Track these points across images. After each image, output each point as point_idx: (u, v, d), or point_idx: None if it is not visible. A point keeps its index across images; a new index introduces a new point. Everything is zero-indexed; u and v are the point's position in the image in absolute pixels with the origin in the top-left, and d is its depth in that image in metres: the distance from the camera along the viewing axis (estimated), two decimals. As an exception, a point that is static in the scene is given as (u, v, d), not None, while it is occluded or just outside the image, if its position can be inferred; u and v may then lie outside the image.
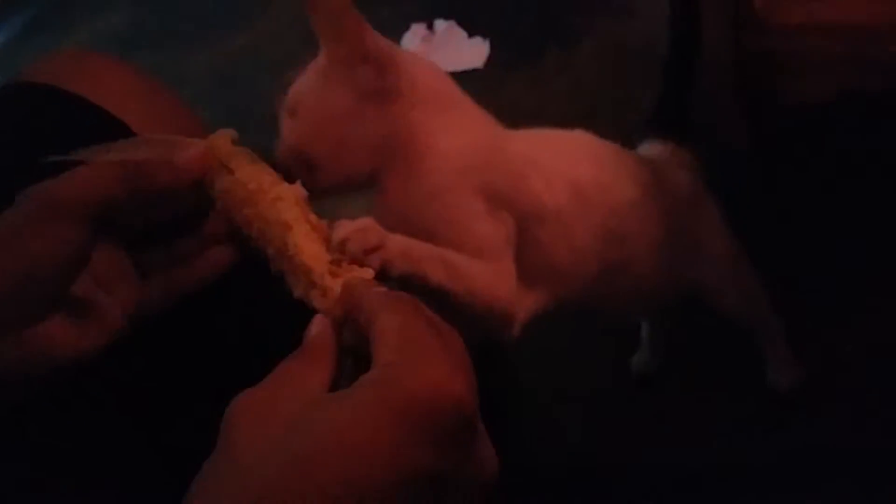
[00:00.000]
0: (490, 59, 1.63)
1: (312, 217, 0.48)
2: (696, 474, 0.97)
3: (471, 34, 1.69)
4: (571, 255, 0.70)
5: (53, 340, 0.42)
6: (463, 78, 1.61)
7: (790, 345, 0.98)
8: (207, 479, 0.34)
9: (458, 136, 0.65)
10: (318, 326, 0.42)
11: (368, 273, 0.46)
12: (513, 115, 1.51)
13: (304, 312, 0.44)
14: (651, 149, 0.92)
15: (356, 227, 0.50)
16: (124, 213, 0.45)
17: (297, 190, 0.49)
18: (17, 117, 0.60)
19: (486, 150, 0.67)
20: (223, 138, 0.51)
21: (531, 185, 0.68)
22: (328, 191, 0.63)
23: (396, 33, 1.77)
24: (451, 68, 1.64)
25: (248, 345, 0.62)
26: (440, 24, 1.74)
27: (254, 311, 0.64)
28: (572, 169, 0.73)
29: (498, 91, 1.58)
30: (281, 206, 0.47)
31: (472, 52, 1.64)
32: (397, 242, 0.55)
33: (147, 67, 2.25)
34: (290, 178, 0.50)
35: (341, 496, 0.31)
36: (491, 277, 0.61)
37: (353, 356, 0.42)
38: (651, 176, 0.81)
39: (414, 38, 1.73)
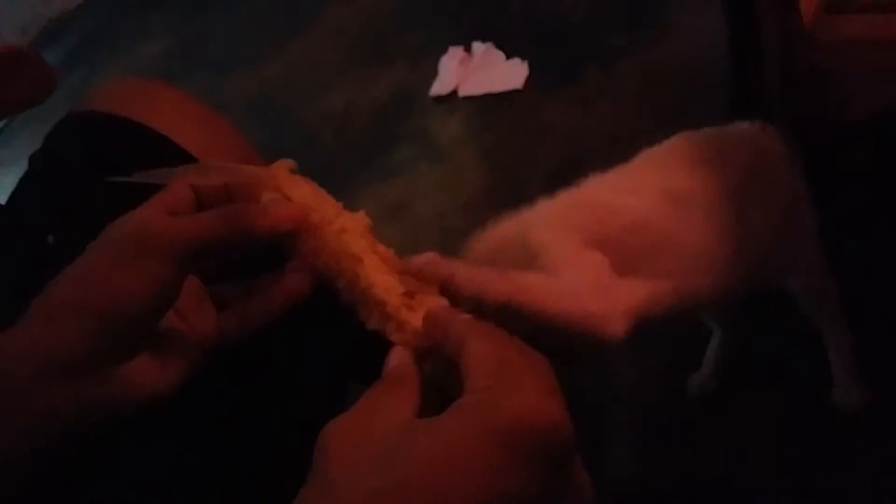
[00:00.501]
0: (529, 80, 1.62)
1: (380, 248, 0.47)
2: (760, 497, 0.95)
3: (509, 56, 1.69)
4: (690, 246, 0.71)
5: (136, 380, 0.41)
6: (502, 99, 1.63)
7: (857, 361, 0.96)
8: (311, 494, 0.34)
9: None
10: (398, 357, 0.42)
11: (444, 302, 0.45)
12: (554, 135, 1.52)
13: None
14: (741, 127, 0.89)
15: (426, 259, 0.49)
16: (218, 252, 0.45)
17: (362, 220, 0.48)
18: (83, 146, 0.61)
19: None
20: (283, 168, 0.50)
21: (615, 203, 0.70)
22: None
23: (434, 56, 1.78)
24: (490, 90, 1.65)
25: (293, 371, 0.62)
26: (478, 46, 1.74)
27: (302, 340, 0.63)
28: (659, 179, 0.75)
29: (538, 112, 1.58)
30: (347, 238, 0.46)
31: (511, 73, 1.64)
32: (464, 268, 0.54)
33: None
34: None
35: None
36: (572, 288, 0.60)
37: (436, 388, 0.41)
38: (748, 155, 0.82)
39: (452, 60, 1.74)
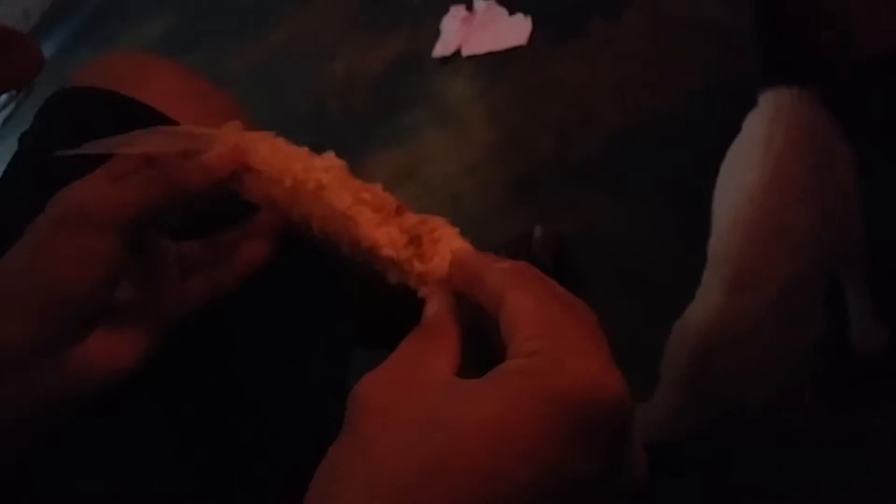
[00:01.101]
0: (533, 36, 1.59)
1: (366, 194, 0.43)
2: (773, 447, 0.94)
3: (511, 12, 1.66)
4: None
5: (92, 361, 0.40)
6: (507, 56, 1.61)
7: (874, 304, 0.94)
8: (336, 470, 0.31)
9: None
10: (436, 304, 0.39)
11: (455, 238, 0.41)
12: (561, 91, 1.49)
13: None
14: (775, 95, 0.90)
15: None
16: (159, 216, 0.42)
17: (335, 165, 0.44)
18: (72, 121, 0.59)
19: None
20: (233, 128, 0.47)
21: None
22: None
23: (436, 17, 1.75)
24: (494, 48, 1.62)
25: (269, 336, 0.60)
26: (479, 4, 1.71)
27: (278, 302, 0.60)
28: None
29: (544, 67, 1.55)
30: (329, 196, 0.43)
31: (515, 29, 1.61)
32: None
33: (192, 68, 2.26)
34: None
35: (483, 498, 0.28)
36: None
37: (475, 335, 0.38)
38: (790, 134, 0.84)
39: (454, 20, 1.71)
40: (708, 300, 0.78)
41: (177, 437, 0.53)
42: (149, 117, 0.58)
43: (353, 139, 1.70)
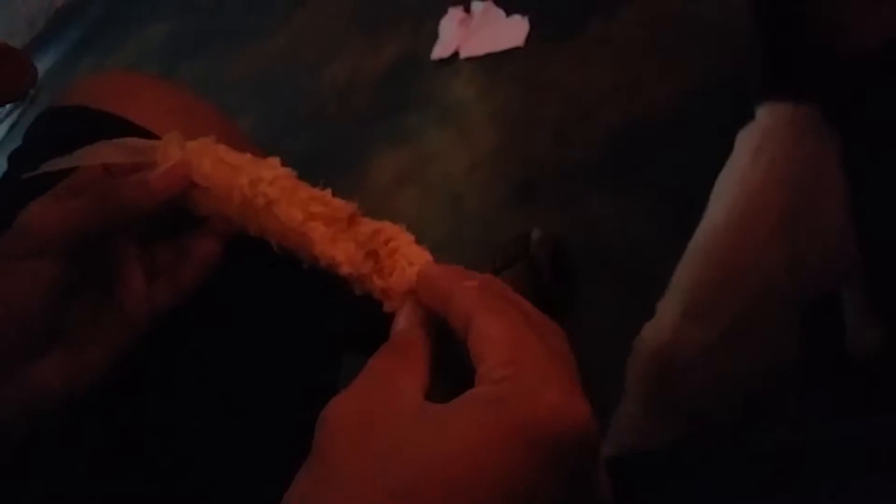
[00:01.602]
0: (530, 37, 1.60)
1: (315, 206, 0.42)
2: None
3: (509, 13, 1.66)
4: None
5: (47, 378, 0.40)
6: (505, 58, 1.61)
7: (870, 304, 0.95)
8: (304, 499, 0.31)
9: None
10: (404, 320, 0.38)
11: (412, 246, 0.41)
12: (559, 91, 1.50)
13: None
14: (769, 111, 0.90)
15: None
16: (103, 234, 0.42)
17: (279, 173, 0.44)
18: (59, 140, 0.60)
19: None
20: (172, 141, 0.46)
21: None
22: None
23: (434, 17, 1.76)
24: (492, 49, 1.63)
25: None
26: (477, 5, 1.71)
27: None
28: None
29: (541, 68, 1.56)
30: (279, 212, 0.42)
31: (512, 30, 1.62)
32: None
33: (191, 77, 2.29)
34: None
35: None
36: None
37: (444, 347, 0.37)
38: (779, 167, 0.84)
39: (451, 22, 1.71)
40: (663, 323, 0.79)
41: (134, 453, 0.53)
42: (135, 134, 0.59)
43: (353, 142, 1.71)
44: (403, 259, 0.40)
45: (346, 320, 0.66)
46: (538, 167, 1.42)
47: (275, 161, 0.45)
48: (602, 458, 0.34)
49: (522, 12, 1.64)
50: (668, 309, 0.80)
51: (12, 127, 2.51)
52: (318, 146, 1.73)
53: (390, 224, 0.42)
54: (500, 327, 0.34)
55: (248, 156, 0.45)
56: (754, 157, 0.85)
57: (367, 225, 0.42)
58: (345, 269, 0.41)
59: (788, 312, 0.81)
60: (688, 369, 0.76)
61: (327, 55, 1.94)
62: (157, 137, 0.58)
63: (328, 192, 0.43)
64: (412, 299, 0.39)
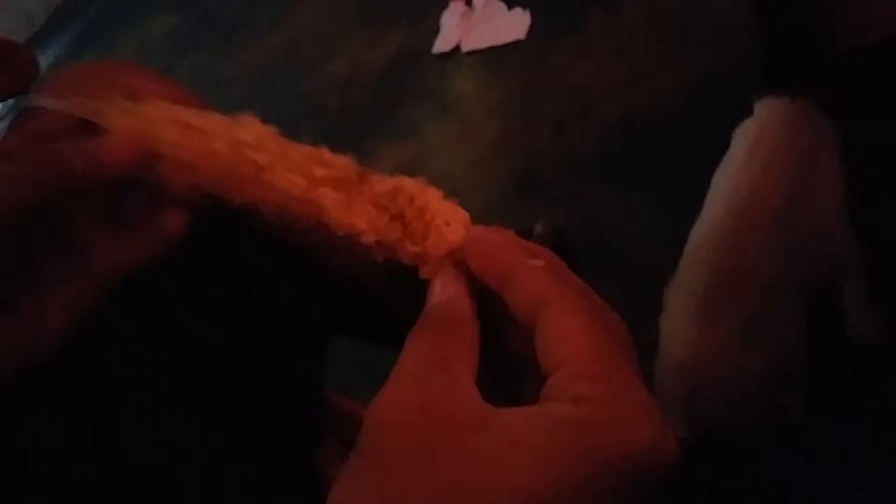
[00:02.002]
0: (532, 30, 1.60)
1: (318, 169, 0.36)
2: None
3: (510, 6, 1.66)
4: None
5: None
6: (506, 51, 1.61)
7: (868, 294, 0.95)
8: (354, 497, 0.29)
9: None
10: (448, 289, 0.33)
11: (446, 204, 0.35)
12: (560, 84, 1.50)
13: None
14: (767, 106, 0.91)
15: None
16: (47, 203, 0.36)
17: (261, 133, 0.37)
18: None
19: None
20: (124, 106, 0.39)
21: None
22: None
23: (435, 12, 1.75)
24: (494, 42, 1.63)
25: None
26: (478, -1, 1.71)
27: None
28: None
29: (543, 61, 1.55)
30: (274, 180, 0.36)
31: (514, 23, 1.61)
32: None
33: (192, 71, 2.29)
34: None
35: None
36: None
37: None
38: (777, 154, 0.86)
39: (453, 15, 1.71)
40: (681, 335, 0.79)
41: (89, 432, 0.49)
42: None
43: (355, 136, 1.71)
44: (437, 218, 0.34)
45: (332, 302, 0.63)
46: (539, 160, 1.42)
47: (251, 119, 0.38)
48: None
49: (524, 5, 1.64)
50: (681, 319, 0.80)
51: (13, 123, 2.51)
52: (319, 141, 1.71)
53: (410, 179, 0.35)
54: (579, 328, 0.30)
55: (217, 116, 0.38)
56: (749, 159, 0.86)
57: (383, 183, 0.35)
58: (369, 238, 0.34)
59: (792, 309, 0.82)
60: (713, 376, 0.76)
61: (328, 50, 1.94)
62: None
63: (324, 149, 0.37)
64: (451, 264, 0.34)
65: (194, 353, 0.52)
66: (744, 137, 0.90)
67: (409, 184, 0.35)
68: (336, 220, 0.34)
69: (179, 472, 0.49)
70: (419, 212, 0.34)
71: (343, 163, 0.36)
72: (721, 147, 0.96)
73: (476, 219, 0.35)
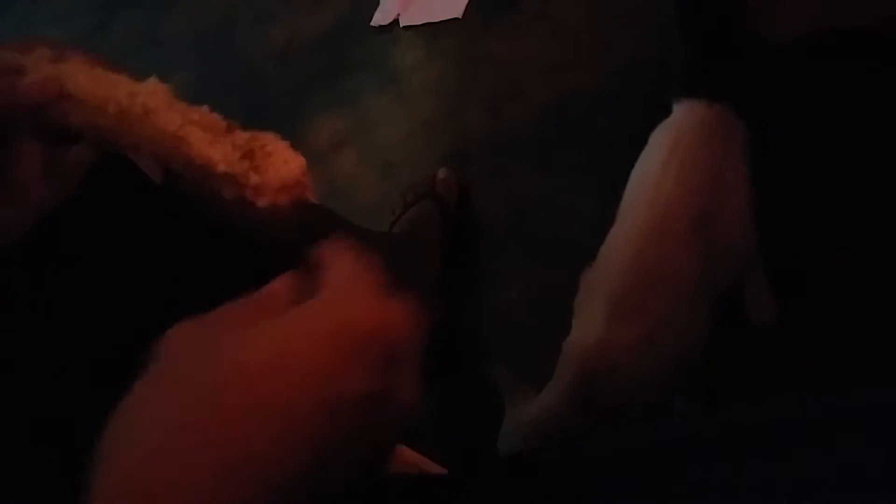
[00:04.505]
0: (469, 9, 1.62)
1: (195, 114, 0.45)
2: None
3: (448, -17, 1.67)
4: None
5: None
6: (443, 28, 1.63)
7: (766, 278, 1.01)
8: (142, 388, 0.34)
9: None
10: (282, 282, 0.41)
11: (286, 148, 0.44)
12: (494, 65, 1.52)
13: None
14: (684, 109, 0.96)
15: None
16: None
17: (160, 90, 0.45)
18: None
19: None
20: (43, 56, 0.46)
21: None
22: None
23: (374, -14, 1.76)
24: (431, 18, 1.64)
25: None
26: (418, -26, 1.72)
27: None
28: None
29: (478, 41, 1.58)
30: (157, 120, 0.44)
31: (452, 1, 1.63)
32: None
33: (125, 29, 2.22)
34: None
35: (262, 417, 0.32)
36: None
37: None
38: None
39: (392, -11, 1.72)
40: (590, 326, 0.84)
41: None
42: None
43: (290, 104, 1.71)
44: (278, 158, 0.44)
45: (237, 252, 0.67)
46: (470, 139, 1.45)
47: (153, 79, 0.46)
48: (417, 367, 0.38)
49: (462, -17, 1.65)
50: (594, 312, 0.85)
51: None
52: (254, 107, 1.73)
53: (267, 132, 0.45)
54: (344, 265, 0.39)
55: (125, 75, 0.46)
56: (665, 166, 0.91)
57: (245, 133, 0.45)
58: (221, 168, 0.43)
59: (700, 309, 0.87)
60: (615, 369, 0.81)
61: (266, 15, 1.93)
62: None
63: (205, 107, 0.46)
64: (285, 197, 0.43)
65: (100, 292, 0.54)
66: (660, 144, 0.95)
67: (264, 135, 0.45)
68: (196, 152, 0.43)
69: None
70: (266, 154, 0.44)
71: (218, 118, 0.45)
72: (646, 134, 1.00)
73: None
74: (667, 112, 0.99)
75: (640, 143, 0.98)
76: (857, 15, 1.15)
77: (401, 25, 1.68)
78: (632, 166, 0.96)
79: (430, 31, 1.65)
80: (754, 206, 0.95)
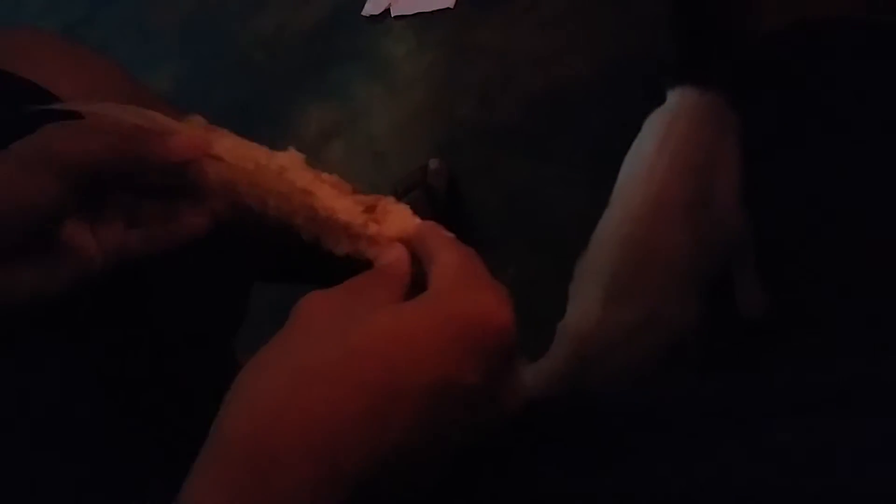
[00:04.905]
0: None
1: (325, 176, 0.48)
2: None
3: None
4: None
5: (20, 280, 0.43)
6: (434, 18, 1.62)
7: (757, 270, 1.01)
8: (269, 352, 0.36)
9: None
10: (395, 254, 0.44)
11: (405, 209, 0.47)
12: (484, 56, 1.52)
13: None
14: (679, 96, 0.96)
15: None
16: (114, 176, 0.46)
17: (295, 155, 0.49)
18: None
19: None
20: (196, 122, 0.50)
21: None
22: None
23: (365, -24, 1.75)
24: (422, 9, 1.64)
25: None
26: (409, -36, 1.71)
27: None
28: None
29: (469, 31, 1.57)
30: (290, 176, 0.47)
31: (443, -9, 1.63)
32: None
33: (111, 20, 2.20)
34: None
35: (382, 389, 0.34)
36: None
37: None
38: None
39: (383, -21, 1.71)
40: (586, 308, 0.84)
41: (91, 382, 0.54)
42: (27, 91, 0.59)
43: (280, 94, 1.70)
44: (398, 215, 0.47)
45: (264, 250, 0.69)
46: (461, 129, 1.44)
47: (292, 149, 0.49)
48: (520, 376, 0.41)
49: (454, -27, 1.65)
50: (589, 293, 0.85)
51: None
52: (244, 98, 1.72)
53: (389, 197, 0.48)
54: (455, 258, 0.41)
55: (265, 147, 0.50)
56: (659, 152, 0.91)
57: (369, 196, 0.48)
58: (342, 218, 0.46)
59: (695, 296, 0.87)
60: (612, 351, 0.81)
61: (256, 4, 1.92)
62: (48, 93, 0.58)
63: (335, 175, 0.49)
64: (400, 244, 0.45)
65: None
66: (655, 129, 0.94)
67: (387, 197, 0.48)
68: (321, 204, 0.46)
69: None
70: (386, 211, 0.47)
71: (346, 182, 0.49)
72: (634, 125, 1.00)
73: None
74: (660, 102, 0.99)
75: (632, 133, 0.97)
76: (837, 5, 1.16)
77: (392, 15, 1.68)
78: (624, 156, 0.96)
79: (422, 20, 1.64)
80: (746, 194, 0.95)
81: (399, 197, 1.27)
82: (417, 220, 0.47)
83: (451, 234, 0.44)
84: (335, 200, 0.47)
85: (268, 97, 1.72)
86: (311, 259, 0.52)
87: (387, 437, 0.34)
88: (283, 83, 1.73)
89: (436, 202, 1.28)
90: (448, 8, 1.61)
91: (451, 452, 0.37)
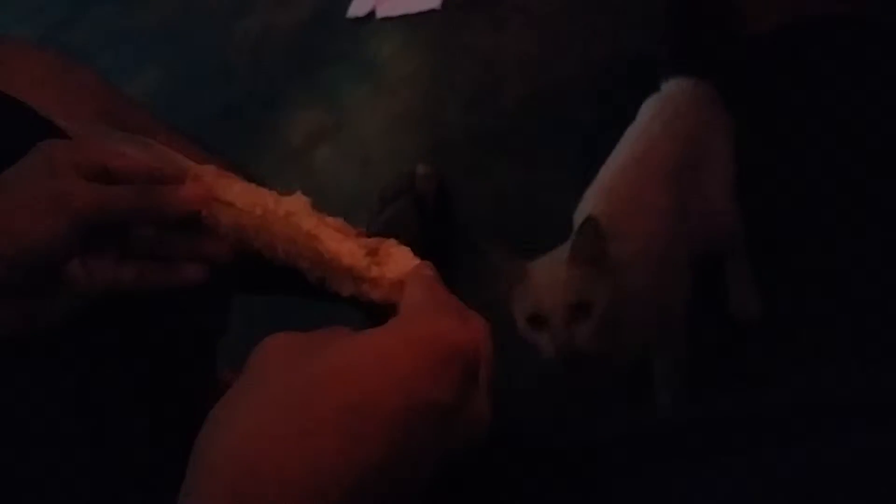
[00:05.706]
0: (447, 0, 1.59)
1: (329, 220, 0.50)
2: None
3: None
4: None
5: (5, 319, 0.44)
6: (421, 20, 1.60)
7: (752, 275, 1.00)
8: (234, 392, 0.36)
9: None
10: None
11: (407, 251, 0.49)
12: (471, 57, 1.50)
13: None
14: (673, 84, 1.01)
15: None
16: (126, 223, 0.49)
17: (302, 200, 0.50)
18: None
19: None
20: (210, 168, 0.52)
21: None
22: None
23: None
24: (408, 10, 1.62)
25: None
26: (395, -36, 1.69)
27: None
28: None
29: (456, 32, 1.56)
30: (297, 220, 0.49)
31: (430, -8, 1.61)
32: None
33: (94, 24, 2.18)
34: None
35: (356, 408, 0.34)
36: None
37: None
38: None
39: (370, -20, 1.69)
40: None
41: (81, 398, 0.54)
42: (9, 106, 0.59)
43: (266, 99, 1.68)
44: (400, 257, 0.48)
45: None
46: (449, 133, 1.43)
47: (298, 193, 0.51)
48: (486, 389, 0.40)
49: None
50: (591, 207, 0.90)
51: None
52: (229, 103, 1.69)
53: (392, 240, 0.50)
54: (421, 285, 0.43)
55: (274, 192, 0.52)
56: (654, 116, 0.96)
57: (372, 239, 0.50)
58: (345, 261, 0.48)
59: (680, 256, 0.91)
60: (621, 237, 0.85)
61: (239, 7, 1.89)
62: (26, 104, 0.58)
63: (341, 219, 0.51)
64: (395, 291, 0.47)
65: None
66: (650, 106, 1.00)
67: (391, 241, 0.50)
68: (326, 247, 0.48)
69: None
70: (388, 254, 0.48)
71: (350, 226, 0.50)
72: (625, 128, 0.99)
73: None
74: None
75: (616, 137, 0.98)
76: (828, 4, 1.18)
77: (378, 17, 1.66)
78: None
79: (408, 22, 1.62)
80: (739, 190, 0.98)
81: (386, 204, 1.25)
82: (417, 262, 0.48)
83: (430, 268, 0.46)
84: (339, 244, 0.48)
85: (253, 102, 1.69)
86: (292, 273, 0.51)
87: (367, 457, 0.34)
88: (269, 87, 1.70)
89: (424, 210, 1.26)
90: (435, 9, 1.59)
91: (427, 474, 0.37)
